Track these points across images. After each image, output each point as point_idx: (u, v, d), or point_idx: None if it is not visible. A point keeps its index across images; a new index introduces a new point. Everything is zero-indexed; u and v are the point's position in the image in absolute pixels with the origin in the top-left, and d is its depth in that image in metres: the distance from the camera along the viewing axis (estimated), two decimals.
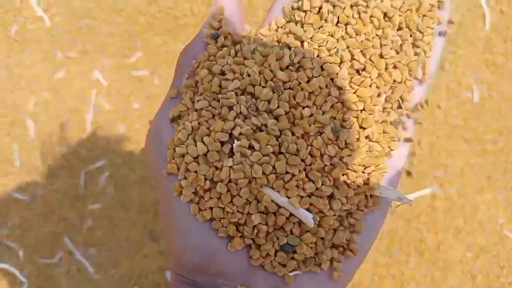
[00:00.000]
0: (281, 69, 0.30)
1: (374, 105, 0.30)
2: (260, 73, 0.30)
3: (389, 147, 0.31)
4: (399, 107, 0.32)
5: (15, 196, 0.70)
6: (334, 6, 0.32)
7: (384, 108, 0.31)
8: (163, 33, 0.75)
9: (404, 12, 0.32)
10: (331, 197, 0.29)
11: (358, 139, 0.29)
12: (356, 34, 0.31)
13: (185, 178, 0.29)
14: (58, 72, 0.74)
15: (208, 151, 0.28)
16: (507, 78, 0.75)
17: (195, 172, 0.28)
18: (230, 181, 0.28)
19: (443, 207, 0.72)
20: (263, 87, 0.29)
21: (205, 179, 0.28)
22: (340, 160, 0.29)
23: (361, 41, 0.31)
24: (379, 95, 0.31)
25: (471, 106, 0.74)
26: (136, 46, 0.74)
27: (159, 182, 0.30)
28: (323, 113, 0.29)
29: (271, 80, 0.29)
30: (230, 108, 0.29)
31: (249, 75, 0.29)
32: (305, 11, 0.32)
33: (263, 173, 0.27)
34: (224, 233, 0.28)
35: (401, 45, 0.31)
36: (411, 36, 0.32)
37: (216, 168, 0.28)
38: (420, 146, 0.74)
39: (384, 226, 0.71)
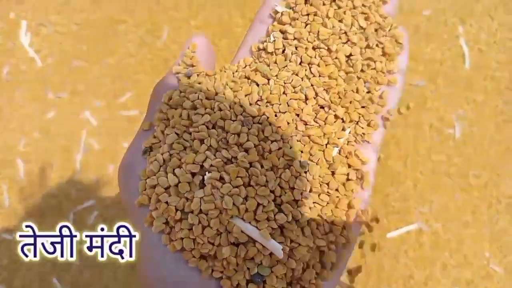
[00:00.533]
0: (250, 104, 0.31)
1: (339, 138, 0.32)
2: (230, 107, 0.31)
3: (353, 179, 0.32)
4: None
5: (4, 236, 0.70)
6: (296, 48, 0.33)
7: (348, 141, 0.32)
8: (153, 74, 0.77)
9: (365, 60, 0.34)
10: (302, 228, 0.29)
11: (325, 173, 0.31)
12: (319, 75, 0.33)
13: (156, 208, 0.29)
14: (49, 112, 0.75)
15: (179, 182, 0.29)
16: (487, 115, 0.78)
17: (166, 203, 0.29)
18: (200, 211, 0.28)
19: (430, 242, 0.73)
20: (233, 121, 0.31)
21: (176, 210, 0.29)
22: (309, 193, 0.30)
23: (324, 81, 0.32)
24: (343, 129, 0.32)
25: (453, 142, 0.77)
26: (126, 87, 0.76)
27: (131, 214, 0.31)
28: (291, 147, 0.30)
29: (241, 114, 0.31)
30: (201, 141, 0.30)
31: (220, 109, 0.31)
32: (270, 52, 0.34)
33: (234, 204, 0.28)
34: (194, 264, 0.28)
35: (366, 88, 0.33)
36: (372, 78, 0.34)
37: (187, 199, 0.29)
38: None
39: (372, 263, 0.72)
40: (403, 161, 0.76)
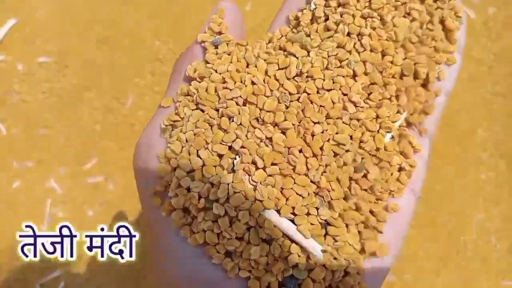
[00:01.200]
0: (288, 79, 0.27)
1: (393, 122, 0.28)
2: (264, 81, 0.28)
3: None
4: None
5: None
6: (341, 15, 0.29)
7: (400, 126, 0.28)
8: (118, 140, 0.78)
9: (426, 37, 0.29)
10: (347, 225, 0.26)
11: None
12: (371, 49, 0.28)
13: (176, 195, 0.26)
14: (14, 182, 0.75)
15: (204, 165, 0.26)
16: (450, 162, 0.80)
17: (188, 189, 0.26)
18: (228, 200, 0.25)
19: None
20: (268, 96, 0.27)
21: (200, 197, 0.25)
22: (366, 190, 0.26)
23: (377, 58, 0.28)
24: (398, 111, 0.28)
25: None
26: (92, 153, 0.77)
27: (145, 202, 0.28)
28: (337, 132, 0.27)
29: (277, 89, 0.27)
30: (231, 118, 0.27)
31: (252, 83, 0.27)
32: (311, 20, 0.30)
33: (268, 196, 0.25)
34: (218, 260, 0.25)
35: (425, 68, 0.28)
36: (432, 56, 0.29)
37: (213, 185, 0.25)
38: None
39: None
40: None
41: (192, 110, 0.28)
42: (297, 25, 0.31)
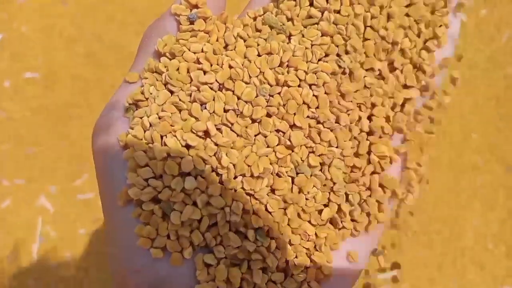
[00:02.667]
0: (270, 68, 0.26)
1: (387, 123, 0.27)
2: (243, 65, 0.26)
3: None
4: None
5: None
6: (327, 1, 0.27)
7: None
8: None
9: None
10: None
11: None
12: (365, 39, 0.27)
13: (133, 185, 0.24)
14: (4, 201, 0.76)
15: (168, 155, 0.24)
16: (443, 170, 0.81)
17: (146, 182, 0.24)
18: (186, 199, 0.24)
19: None
20: (247, 83, 0.26)
21: (157, 201, 0.24)
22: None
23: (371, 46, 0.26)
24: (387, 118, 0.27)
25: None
26: (82, 170, 0.77)
27: (102, 184, 0.26)
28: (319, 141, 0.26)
29: (256, 77, 0.26)
30: (203, 105, 0.25)
31: (230, 67, 0.26)
32: (294, 1, 0.28)
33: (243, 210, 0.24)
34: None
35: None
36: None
37: (171, 189, 0.24)
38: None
39: None
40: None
41: (159, 90, 0.26)
42: (279, 2, 0.28)
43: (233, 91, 0.25)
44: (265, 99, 0.25)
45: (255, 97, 0.25)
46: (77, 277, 0.72)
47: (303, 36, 0.27)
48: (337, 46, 0.26)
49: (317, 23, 0.27)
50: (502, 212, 0.79)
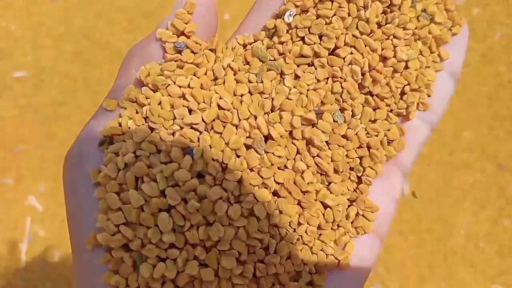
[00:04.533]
0: (266, 113, 0.25)
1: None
2: (233, 105, 0.24)
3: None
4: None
5: None
6: (321, 37, 0.26)
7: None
8: None
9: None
10: None
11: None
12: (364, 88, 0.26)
13: (103, 230, 0.23)
14: None
15: (144, 202, 0.22)
16: (434, 168, 0.82)
17: (116, 228, 0.22)
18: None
19: None
20: (235, 125, 0.24)
21: (128, 250, 0.23)
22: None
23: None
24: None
25: (402, 199, 0.80)
26: None
27: (71, 221, 0.24)
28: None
29: (246, 120, 0.24)
30: (184, 150, 0.23)
31: (219, 107, 0.24)
32: (282, 37, 0.27)
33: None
34: None
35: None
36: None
37: (143, 243, 0.22)
38: None
39: None
40: None
41: (138, 125, 0.24)
42: (271, 35, 0.27)
43: (220, 134, 0.24)
44: (258, 151, 0.24)
45: (247, 149, 0.24)
46: (64, 274, 0.73)
47: (295, 76, 0.26)
48: (333, 93, 0.26)
49: (311, 64, 0.26)
50: (493, 210, 0.80)
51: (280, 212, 0.24)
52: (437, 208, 0.80)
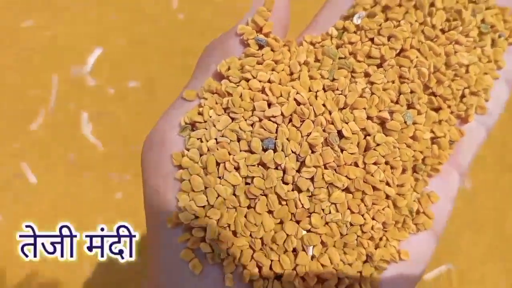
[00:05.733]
0: (340, 109, 0.26)
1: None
2: (310, 102, 0.25)
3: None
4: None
5: None
6: (389, 39, 0.27)
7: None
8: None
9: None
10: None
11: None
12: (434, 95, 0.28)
13: (185, 209, 0.24)
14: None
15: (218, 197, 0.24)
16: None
17: (198, 209, 0.24)
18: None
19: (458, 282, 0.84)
20: (312, 121, 0.25)
21: (203, 240, 0.24)
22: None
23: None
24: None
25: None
26: None
27: (149, 201, 0.25)
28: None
29: (322, 114, 0.25)
30: (263, 141, 0.24)
31: (297, 103, 0.25)
32: (354, 33, 0.28)
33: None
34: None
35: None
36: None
37: (228, 227, 0.24)
38: None
39: None
40: None
41: (219, 114, 0.25)
42: (340, 36, 0.28)
43: (297, 128, 0.25)
44: (332, 147, 0.25)
45: (322, 146, 0.25)
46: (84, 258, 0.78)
47: (365, 75, 0.27)
48: (403, 94, 0.26)
49: (380, 65, 0.27)
50: None
51: (352, 212, 0.25)
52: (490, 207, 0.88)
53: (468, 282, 0.84)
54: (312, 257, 0.25)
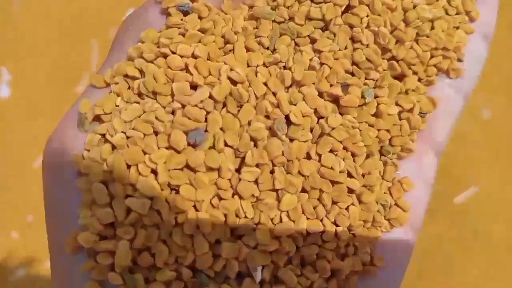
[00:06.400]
0: (285, 88, 0.21)
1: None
2: (247, 78, 0.21)
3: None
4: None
5: None
6: None
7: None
8: None
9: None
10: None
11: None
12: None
13: (87, 229, 0.19)
14: None
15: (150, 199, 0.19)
16: None
17: (102, 227, 0.19)
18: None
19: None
20: (254, 107, 0.21)
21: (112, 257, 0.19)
22: None
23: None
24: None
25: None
26: None
27: (48, 218, 0.21)
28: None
29: (263, 96, 0.21)
30: (188, 134, 0.19)
31: (231, 81, 0.20)
32: None
33: None
34: None
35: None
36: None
37: (140, 252, 0.19)
38: None
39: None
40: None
41: (128, 102, 0.20)
42: None
43: (234, 115, 0.20)
44: (279, 137, 0.20)
45: (268, 136, 0.20)
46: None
47: (311, 42, 0.22)
48: (357, 64, 0.22)
49: (325, 29, 0.23)
50: None
51: (308, 218, 0.21)
52: None
53: (496, 203, 0.87)
54: (262, 281, 0.20)
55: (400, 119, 0.23)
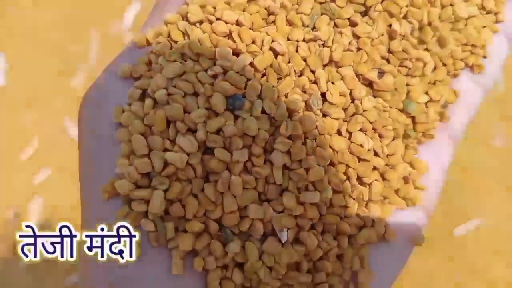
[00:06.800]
0: (323, 66, 0.22)
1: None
2: (288, 54, 0.21)
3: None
4: None
5: None
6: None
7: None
8: None
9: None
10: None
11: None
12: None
13: (124, 177, 0.20)
14: None
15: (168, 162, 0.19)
16: None
17: (139, 176, 0.19)
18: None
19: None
20: (293, 81, 0.21)
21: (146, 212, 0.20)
22: None
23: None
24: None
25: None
26: None
27: (84, 167, 0.21)
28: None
29: (301, 70, 0.22)
30: (230, 99, 0.20)
31: (273, 52, 0.21)
32: None
33: None
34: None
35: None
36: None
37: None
38: None
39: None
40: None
41: (169, 61, 0.20)
42: None
43: (273, 86, 0.20)
44: (314, 112, 0.21)
45: (303, 109, 0.21)
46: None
47: (350, 24, 0.23)
48: (393, 53, 0.23)
49: (365, 14, 0.23)
50: None
51: (334, 191, 0.22)
52: None
53: (499, 238, 0.85)
54: (285, 242, 0.21)
55: (426, 107, 0.24)
